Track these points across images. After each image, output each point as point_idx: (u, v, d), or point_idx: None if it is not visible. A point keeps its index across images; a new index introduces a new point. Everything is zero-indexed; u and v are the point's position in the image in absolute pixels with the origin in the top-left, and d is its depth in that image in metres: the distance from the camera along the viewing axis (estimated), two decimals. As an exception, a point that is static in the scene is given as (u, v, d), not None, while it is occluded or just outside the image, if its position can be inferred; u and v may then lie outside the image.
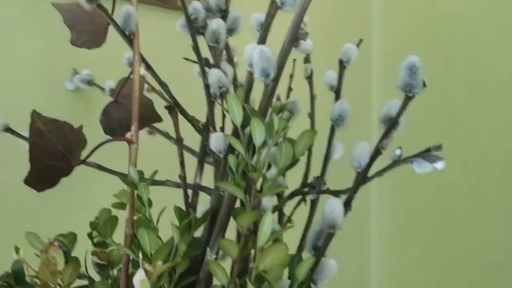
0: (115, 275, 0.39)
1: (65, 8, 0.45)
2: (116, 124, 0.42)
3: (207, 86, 0.44)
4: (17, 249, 0.38)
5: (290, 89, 0.60)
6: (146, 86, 0.46)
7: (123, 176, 0.39)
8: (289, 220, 0.48)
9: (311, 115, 0.53)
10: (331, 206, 0.34)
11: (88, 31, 0.45)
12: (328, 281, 0.34)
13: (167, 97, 0.41)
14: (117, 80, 0.50)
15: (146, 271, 0.26)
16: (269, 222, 0.30)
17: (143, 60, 0.39)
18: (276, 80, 0.36)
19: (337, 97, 0.49)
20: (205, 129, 0.41)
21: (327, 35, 0.85)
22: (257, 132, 0.32)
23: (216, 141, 0.39)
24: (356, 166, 0.36)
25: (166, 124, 0.48)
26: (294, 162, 0.33)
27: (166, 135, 0.56)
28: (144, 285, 0.27)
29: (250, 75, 0.40)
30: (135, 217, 0.36)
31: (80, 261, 0.40)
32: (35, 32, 0.66)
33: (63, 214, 0.65)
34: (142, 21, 0.41)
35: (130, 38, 0.38)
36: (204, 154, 0.47)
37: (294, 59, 0.49)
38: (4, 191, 0.61)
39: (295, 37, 0.37)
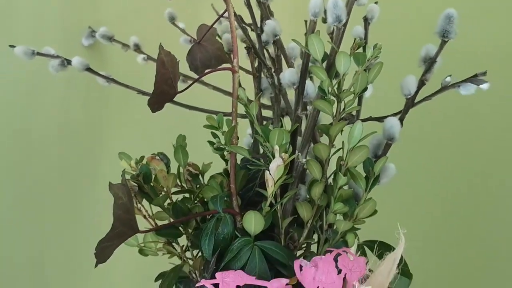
0: (202, 183, 0.48)
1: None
2: (199, 62, 0.50)
3: (259, 36, 0.53)
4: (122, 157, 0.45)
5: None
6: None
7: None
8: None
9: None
10: (391, 122, 0.45)
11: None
12: (388, 180, 0.45)
13: (246, 38, 0.50)
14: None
15: (282, 158, 0.35)
16: (359, 128, 0.40)
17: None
18: (345, 25, 0.45)
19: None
20: (274, 69, 0.50)
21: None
22: (342, 62, 0.42)
23: (290, 74, 0.48)
24: (406, 94, 0.46)
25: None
26: (365, 88, 0.43)
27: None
28: (279, 169, 0.36)
29: (314, 24, 0.49)
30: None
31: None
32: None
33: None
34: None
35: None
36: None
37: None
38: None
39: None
